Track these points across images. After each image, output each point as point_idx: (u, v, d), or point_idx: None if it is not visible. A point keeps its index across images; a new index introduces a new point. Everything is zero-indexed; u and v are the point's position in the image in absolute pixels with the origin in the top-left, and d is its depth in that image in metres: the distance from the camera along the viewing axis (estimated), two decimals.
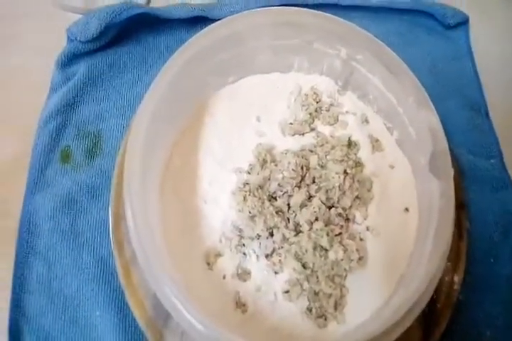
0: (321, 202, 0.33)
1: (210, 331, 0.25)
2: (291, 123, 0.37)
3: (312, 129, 0.37)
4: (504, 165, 0.42)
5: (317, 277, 0.31)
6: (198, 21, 0.44)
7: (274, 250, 0.32)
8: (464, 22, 0.48)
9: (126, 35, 0.45)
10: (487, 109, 0.45)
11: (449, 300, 0.32)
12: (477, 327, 0.35)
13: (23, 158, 0.40)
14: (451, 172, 0.30)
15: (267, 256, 0.32)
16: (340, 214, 0.33)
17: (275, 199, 0.33)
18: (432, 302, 0.32)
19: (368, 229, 0.34)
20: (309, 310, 0.31)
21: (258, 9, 0.35)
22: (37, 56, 0.46)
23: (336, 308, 0.31)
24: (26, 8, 0.49)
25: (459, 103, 0.45)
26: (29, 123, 0.42)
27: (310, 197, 0.33)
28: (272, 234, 0.32)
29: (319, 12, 0.35)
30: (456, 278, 0.33)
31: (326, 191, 0.33)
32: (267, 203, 0.33)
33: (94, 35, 0.42)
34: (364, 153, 0.36)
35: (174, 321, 0.27)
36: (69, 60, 0.44)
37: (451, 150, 0.30)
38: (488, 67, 0.48)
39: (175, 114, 0.35)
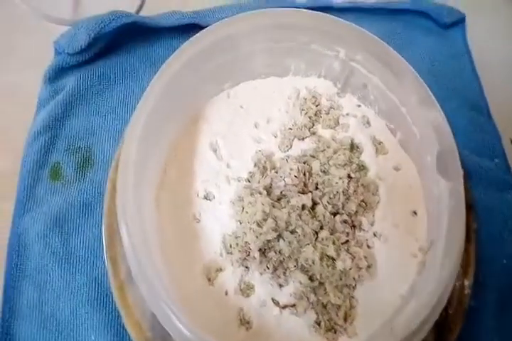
0: (325, 209, 0.31)
1: None
2: (290, 128, 0.35)
3: (313, 133, 0.35)
4: (508, 164, 0.41)
5: (325, 288, 0.30)
6: (190, 29, 0.43)
7: (278, 262, 0.30)
8: (460, 20, 0.47)
9: (116, 45, 0.44)
10: (488, 108, 0.44)
11: (461, 305, 0.30)
12: (486, 334, 0.34)
13: (12, 176, 0.39)
14: (460, 171, 0.29)
15: (270, 268, 0.30)
16: (345, 221, 0.31)
17: (277, 208, 0.32)
18: (444, 308, 0.30)
19: (375, 235, 0.32)
20: (317, 323, 0.29)
21: (252, 12, 0.34)
22: (26, 71, 0.46)
23: (345, 320, 0.29)
24: (14, 21, 0.49)
25: (459, 103, 0.44)
26: (18, 140, 0.40)
27: (314, 205, 0.31)
28: (275, 246, 0.30)
29: (315, 12, 0.33)
30: (466, 283, 0.31)
31: (330, 197, 0.31)
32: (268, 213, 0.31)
33: (83, 47, 0.41)
34: (367, 156, 0.34)
35: None
36: (57, 73, 0.43)
37: None
38: (487, 66, 0.47)
39: (169, 125, 0.34)
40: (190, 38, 0.33)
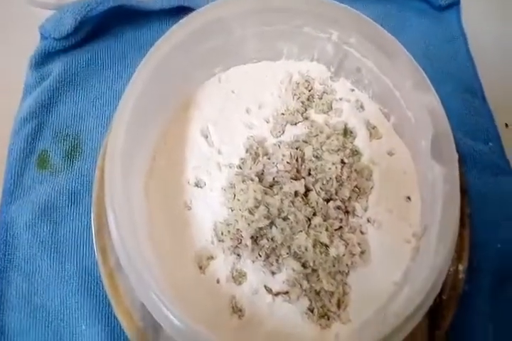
0: (318, 195, 0.31)
1: (204, 339, 0.23)
2: (282, 114, 0.35)
3: (305, 118, 0.35)
4: (502, 148, 0.41)
5: (318, 275, 0.29)
6: (180, 12, 0.42)
7: (270, 249, 0.30)
8: (455, 3, 0.47)
9: (103, 30, 0.43)
10: (483, 91, 0.44)
11: (455, 290, 0.30)
12: (480, 319, 0.33)
13: None
14: (455, 155, 0.28)
15: (262, 256, 0.30)
16: (339, 207, 0.31)
17: (269, 195, 0.31)
18: (438, 294, 0.30)
19: (368, 221, 0.31)
20: (310, 310, 0.29)
21: None
22: (12, 56, 0.44)
23: (339, 307, 0.29)
24: None
25: (454, 86, 0.43)
26: (4, 128, 0.39)
27: (307, 191, 0.31)
28: (267, 233, 0.30)
29: None
30: (460, 267, 0.31)
31: (323, 183, 0.31)
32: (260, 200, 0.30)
33: (69, 32, 0.41)
34: (361, 141, 0.33)
35: (165, 331, 0.25)
36: (43, 58, 0.42)
37: None
38: (481, 49, 0.46)
39: (158, 111, 0.33)
40: (180, 21, 0.32)
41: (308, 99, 0.35)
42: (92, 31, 0.42)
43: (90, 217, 0.31)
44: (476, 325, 0.34)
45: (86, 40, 0.42)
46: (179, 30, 0.32)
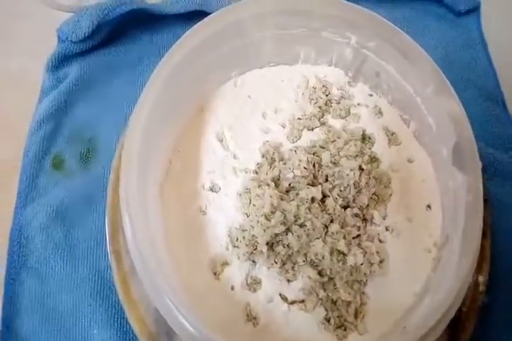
0: (336, 202, 0.30)
1: None
2: (299, 119, 0.34)
3: (322, 124, 0.34)
4: None
5: (334, 284, 0.29)
6: (196, 16, 0.42)
7: (286, 257, 0.29)
8: (475, 8, 0.46)
9: (120, 33, 0.43)
10: (504, 99, 0.43)
11: (475, 303, 0.29)
12: (500, 332, 0.33)
13: (14, 166, 0.38)
14: (479, 164, 0.27)
15: (278, 263, 0.29)
16: (356, 215, 0.30)
17: (286, 201, 0.31)
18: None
19: (387, 229, 0.31)
20: (327, 320, 0.28)
21: None
22: (30, 58, 0.45)
23: (356, 317, 0.28)
24: (17, 8, 0.48)
25: (474, 93, 0.43)
26: (20, 129, 0.40)
27: (324, 197, 0.30)
28: (283, 240, 0.29)
29: None
30: (481, 279, 0.30)
31: (341, 190, 0.30)
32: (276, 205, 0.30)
33: (86, 35, 0.40)
34: (379, 147, 0.33)
35: (179, 338, 0.25)
36: (60, 61, 0.42)
37: None
38: (502, 55, 0.46)
39: (174, 114, 0.33)
40: (195, 25, 0.31)
41: (325, 104, 0.35)
42: (109, 35, 0.42)
43: (104, 221, 0.31)
44: (496, 337, 0.33)
45: (103, 43, 0.42)
46: (195, 35, 0.31)
